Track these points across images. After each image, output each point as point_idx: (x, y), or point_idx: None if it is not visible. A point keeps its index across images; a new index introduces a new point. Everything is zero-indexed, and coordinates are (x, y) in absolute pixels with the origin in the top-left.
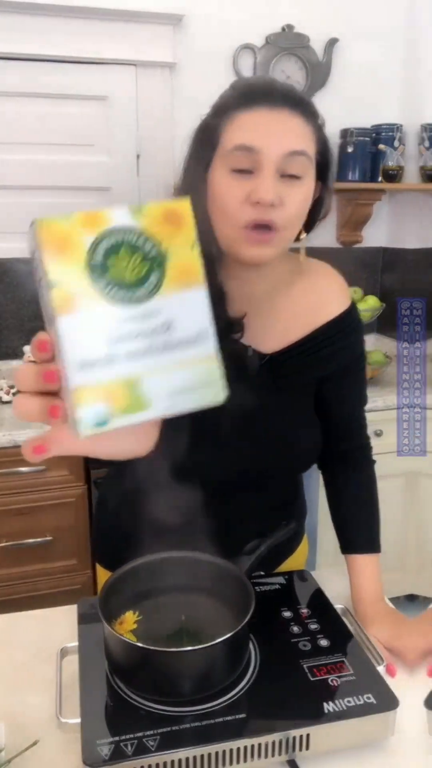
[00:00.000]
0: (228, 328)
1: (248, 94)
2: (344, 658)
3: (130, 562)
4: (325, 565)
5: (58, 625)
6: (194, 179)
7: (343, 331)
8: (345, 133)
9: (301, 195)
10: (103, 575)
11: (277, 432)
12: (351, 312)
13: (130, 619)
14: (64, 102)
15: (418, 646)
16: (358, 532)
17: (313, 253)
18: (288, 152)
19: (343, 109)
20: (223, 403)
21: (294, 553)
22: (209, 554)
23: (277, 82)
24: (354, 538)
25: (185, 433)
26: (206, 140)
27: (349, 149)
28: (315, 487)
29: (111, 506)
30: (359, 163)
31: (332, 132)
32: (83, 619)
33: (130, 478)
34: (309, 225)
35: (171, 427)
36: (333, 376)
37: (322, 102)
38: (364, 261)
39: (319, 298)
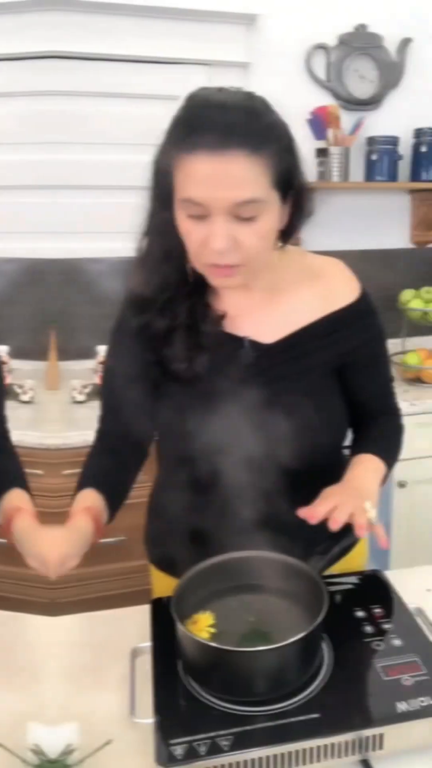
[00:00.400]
0: (214, 324)
1: (192, 131)
2: (417, 658)
3: (202, 562)
4: (398, 565)
5: (130, 625)
6: (162, 213)
7: (354, 319)
8: (418, 133)
9: (256, 234)
10: (158, 578)
11: (289, 418)
12: (361, 300)
13: (203, 619)
14: (137, 102)
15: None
16: (371, 443)
17: (386, 254)
18: (234, 204)
19: (416, 108)
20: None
21: (351, 551)
22: (281, 554)
23: (225, 109)
24: (364, 445)
25: (202, 441)
26: (162, 182)
27: (423, 149)
28: (388, 486)
29: (169, 509)
30: None
31: (405, 131)
32: (156, 619)
33: (183, 483)
34: (289, 233)
35: (193, 441)
36: (354, 361)
37: (395, 102)
38: None
39: (325, 290)
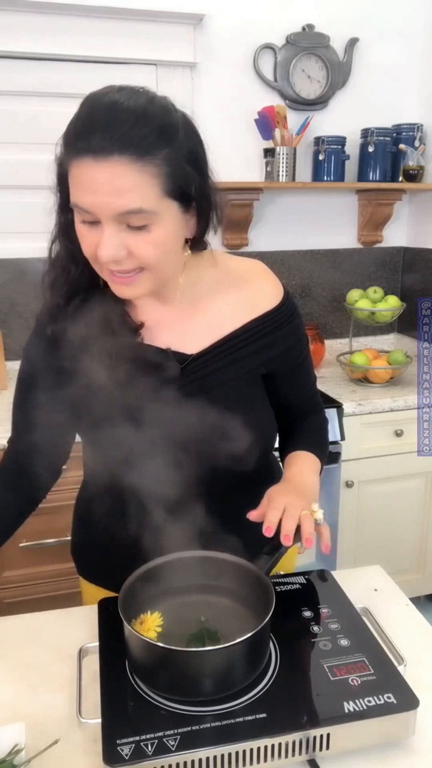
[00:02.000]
0: (131, 334)
1: (79, 134)
2: (364, 658)
3: (150, 561)
4: (345, 565)
5: (78, 625)
6: (64, 215)
7: (280, 322)
8: (366, 133)
9: (153, 242)
10: (86, 588)
11: (216, 428)
12: (284, 303)
13: (150, 619)
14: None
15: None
16: (303, 441)
17: (335, 254)
18: (120, 213)
19: (363, 108)
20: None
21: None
22: (229, 554)
23: (114, 111)
24: (297, 443)
25: (124, 454)
26: (61, 184)
27: (370, 149)
28: (336, 486)
29: (93, 519)
30: (380, 163)
31: (353, 131)
32: (103, 618)
33: (106, 494)
34: (199, 241)
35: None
36: (280, 368)
37: (342, 102)
38: (384, 261)
39: (247, 295)
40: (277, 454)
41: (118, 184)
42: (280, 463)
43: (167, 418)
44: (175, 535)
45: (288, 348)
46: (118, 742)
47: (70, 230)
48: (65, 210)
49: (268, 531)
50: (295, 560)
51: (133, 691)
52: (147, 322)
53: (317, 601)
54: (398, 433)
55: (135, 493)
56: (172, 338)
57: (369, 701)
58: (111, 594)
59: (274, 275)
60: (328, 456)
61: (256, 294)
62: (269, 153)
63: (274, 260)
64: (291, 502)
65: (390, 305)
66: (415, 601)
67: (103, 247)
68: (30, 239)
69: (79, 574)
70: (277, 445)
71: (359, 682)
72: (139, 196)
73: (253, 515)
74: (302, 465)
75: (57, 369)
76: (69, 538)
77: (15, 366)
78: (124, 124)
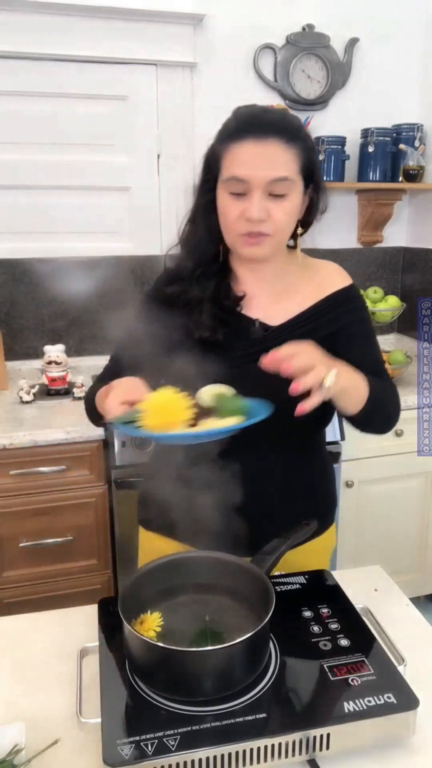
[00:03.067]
0: (233, 302)
1: (241, 126)
2: (365, 658)
3: (150, 562)
4: (346, 565)
5: (78, 625)
6: (206, 197)
7: (344, 300)
8: (365, 133)
9: (286, 209)
10: (145, 539)
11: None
12: (352, 288)
13: (150, 618)
14: (84, 102)
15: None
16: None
17: (335, 254)
18: (271, 180)
19: (363, 108)
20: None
21: (317, 540)
22: (229, 554)
23: (267, 111)
24: None
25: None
26: (212, 166)
27: (370, 149)
28: (336, 488)
29: (157, 478)
30: (380, 163)
31: (353, 132)
32: (103, 619)
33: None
34: (307, 223)
35: None
36: (347, 338)
37: (342, 102)
38: (384, 261)
39: (321, 280)
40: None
41: (272, 157)
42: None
43: (251, 376)
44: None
45: (351, 322)
46: (118, 742)
47: (209, 210)
48: (208, 192)
49: (266, 361)
50: (329, 555)
51: (133, 691)
52: (241, 295)
53: (317, 601)
54: (398, 433)
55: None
56: (261, 311)
57: (369, 701)
58: (172, 542)
59: (345, 272)
60: (328, 456)
61: (326, 279)
62: None
63: None
64: (308, 351)
65: (390, 305)
66: (415, 601)
67: (255, 208)
68: (29, 239)
69: (140, 525)
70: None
71: (359, 682)
72: (285, 168)
73: (265, 359)
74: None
75: (165, 322)
76: (70, 538)
77: (16, 366)
78: (276, 120)
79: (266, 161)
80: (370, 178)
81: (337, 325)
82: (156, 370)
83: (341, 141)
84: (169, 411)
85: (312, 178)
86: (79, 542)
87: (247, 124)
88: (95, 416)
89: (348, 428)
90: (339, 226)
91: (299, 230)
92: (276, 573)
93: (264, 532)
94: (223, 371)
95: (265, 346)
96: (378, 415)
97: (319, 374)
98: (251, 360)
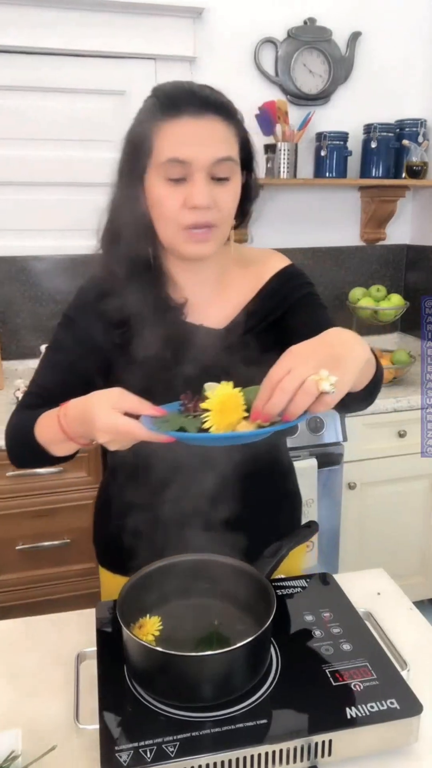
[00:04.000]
0: (175, 310)
1: (172, 103)
2: (367, 663)
3: (148, 565)
4: (348, 568)
5: (75, 630)
6: (131, 186)
7: (286, 280)
8: (368, 129)
9: (231, 194)
10: (107, 579)
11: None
12: (292, 267)
13: (149, 623)
14: (81, 97)
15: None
16: None
17: (338, 251)
18: (215, 160)
19: (366, 103)
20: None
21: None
22: (229, 557)
23: (196, 86)
24: None
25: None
26: (138, 150)
27: (373, 145)
28: (338, 487)
29: (116, 506)
30: (383, 159)
31: (355, 127)
32: (101, 623)
33: (138, 479)
34: (244, 212)
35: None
36: (296, 314)
37: (344, 97)
38: (387, 259)
39: (257, 268)
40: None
41: (215, 135)
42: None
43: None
44: (190, 524)
45: (298, 299)
46: (116, 748)
47: (138, 201)
48: (134, 181)
49: (254, 414)
50: (302, 562)
51: (132, 696)
52: (186, 301)
53: (319, 605)
54: (401, 434)
55: (162, 474)
56: (203, 315)
57: (372, 707)
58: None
59: (282, 255)
60: (330, 458)
61: (262, 266)
62: (270, 149)
63: None
64: (300, 362)
65: (393, 304)
66: (419, 604)
67: (200, 192)
68: (25, 237)
69: (99, 565)
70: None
71: (362, 688)
72: (228, 147)
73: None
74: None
75: (97, 339)
76: (67, 540)
77: (13, 365)
78: (211, 95)
79: (208, 139)
80: (373, 174)
81: (283, 308)
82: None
83: (343, 137)
84: (231, 409)
85: (248, 160)
86: (76, 545)
87: (182, 100)
88: (29, 453)
89: (350, 429)
90: (341, 223)
91: (233, 222)
92: (278, 577)
93: (260, 535)
94: (174, 389)
95: (214, 353)
96: (374, 391)
97: (304, 400)
98: (203, 372)
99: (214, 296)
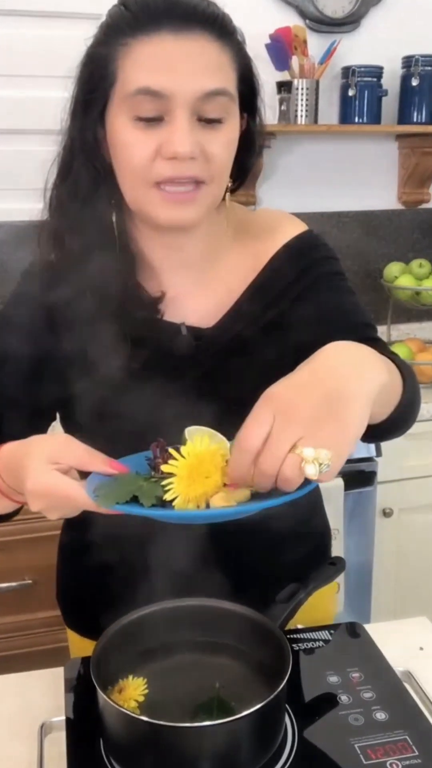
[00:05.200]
0: (150, 309)
1: (145, 13)
2: (407, 736)
3: (130, 613)
4: (382, 617)
5: (39, 694)
6: (86, 129)
7: (297, 253)
8: (408, 62)
9: (224, 141)
10: (74, 641)
11: (237, 417)
12: (309, 235)
13: (131, 685)
14: (47, 23)
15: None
16: None
17: (369, 217)
18: (203, 93)
19: (404, 30)
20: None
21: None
22: (232, 602)
23: None
24: None
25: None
26: (97, 77)
27: (413, 82)
28: (371, 515)
29: (82, 547)
30: (426, 101)
31: (392, 60)
32: (71, 685)
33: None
34: (243, 169)
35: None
36: (300, 312)
37: (378, 22)
38: (431, 225)
39: (261, 240)
40: None
41: (204, 57)
42: None
43: (179, 410)
44: (174, 571)
45: (315, 280)
46: None
47: (96, 150)
48: (91, 122)
49: (231, 483)
50: (331, 608)
51: None
52: (159, 294)
53: (346, 663)
54: None
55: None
56: (186, 309)
57: None
58: None
59: (296, 219)
60: (360, 477)
61: (271, 237)
62: (284, 88)
63: None
64: (281, 421)
65: None
66: None
67: (180, 137)
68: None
69: (66, 626)
70: None
71: (401, 767)
72: (223, 75)
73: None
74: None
75: (44, 346)
76: (28, 582)
77: None
78: (198, 3)
79: (194, 64)
80: (414, 119)
81: (292, 293)
82: (33, 419)
83: (377, 72)
84: (205, 473)
85: (250, 97)
86: (40, 587)
87: (159, 10)
88: None
89: (386, 442)
90: (374, 181)
91: (230, 183)
92: (294, 628)
93: (274, 576)
94: (147, 413)
95: (200, 362)
96: (409, 416)
97: (292, 471)
98: (184, 393)
99: (201, 284)
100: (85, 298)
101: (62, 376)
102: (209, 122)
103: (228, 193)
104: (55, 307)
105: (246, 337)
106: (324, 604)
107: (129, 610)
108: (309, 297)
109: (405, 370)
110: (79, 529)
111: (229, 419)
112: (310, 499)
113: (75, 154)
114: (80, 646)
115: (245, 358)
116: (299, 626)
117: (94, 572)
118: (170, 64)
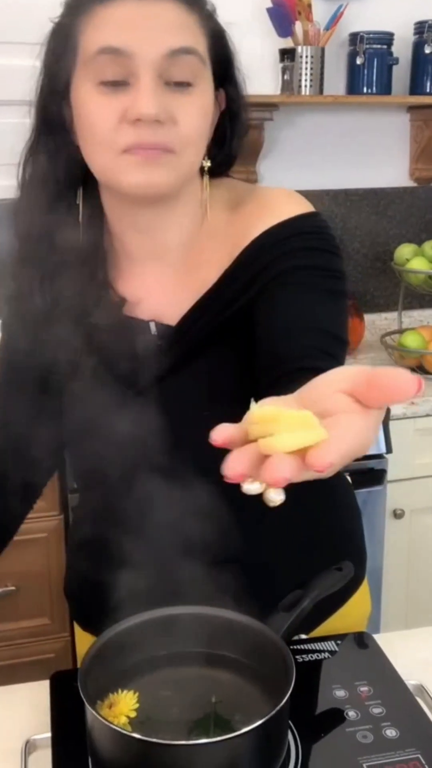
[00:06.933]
0: (115, 305)
1: None
2: (419, 755)
3: (120, 622)
4: (393, 626)
5: (23, 709)
6: (52, 100)
7: (278, 238)
8: (421, 28)
9: (196, 106)
10: (83, 639)
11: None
12: (301, 219)
13: (122, 699)
14: None
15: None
16: None
17: (378, 195)
18: (168, 51)
19: None
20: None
21: (346, 603)
22: (232, 610)
23: None
24: None
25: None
26: (61, 47)
27: (426, 50)
28: (380, 516)
29: (86, 540)
30: None
31: (403, 26)
32: (57, 700)
33: (109, 503)
34: (226, 149)
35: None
36: (257, 314)
37: None
38: None
39: (246, 222)
40: None
41: (167, 18)
42: None
43: (149, 410)
44: (173, 571)
45: (289, 269)
46: None
47: (61, 122)
48: (56, 95)
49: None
50: (361, 614)
51: None
52: (133, 290)
53: (354, 676)
54: None
55: (125, 513)
56: (156, 305)
57: None
58: None
59: (299, 197)
60: (369, 475)
61: (257, 218)
62: (287, 55)
63: None
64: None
65: None
66: None
67: (144, 98)
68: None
69: (75, 621)
70: None
71: None
72: (190, 34)
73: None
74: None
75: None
76: (12, 588)
77: None
78: None
79: (157, 24)
80: (427, 89)
81: (258, 285)
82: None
83: (387, 39)
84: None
85: (225, 64)
86: (25, 594)
87: None
88: None
89: (396, 437)
90: (383, 156)
91: (205, 161)
92: (298, 638)
93: (277, 582)
94: (106, 415)
95: (164, 362)
96: None
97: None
98: (144, 392)
99: (177, 277)
100: (45, 287)
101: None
102: (178, 86)
103: (207, 176)
104: (15, 296)
105: (204, 336)
106: (353, 612)
107: (137, 605)
108: (272, 292)
109: None
110: (91, 520)
111: (189, 426)
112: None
113: (40, 131)
114: (89, 643)
115: (202, 360)
116: (302, 636)
117: (106, 564)
118: (132, 23)
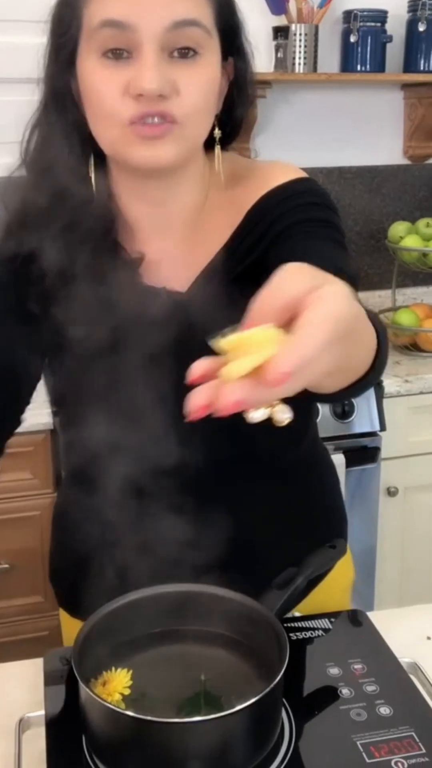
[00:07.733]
0: (132, 271)
1: None
2: (413, 732)
3: (113, 600)
4: (387, 604)
5: (17, 687)
6: (60, 78)
7: (280, 199)
8: (414, 5)
9: (200, 77)
10: (68, 623)
11: None
12: (296, 183)
13: (116, 677)
14: None
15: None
16: None
17: (372, 173)
18: (171, 24)
19: None
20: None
21: (328, 574)
22: (225, 588)
23: None
24: None
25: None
26: (66, 20)
27: (420, 27)
28: (374, 494)
29: (72, 521)
30: None
31: (397, 3)
32: (51, 678)
33: (97, 482)
34: (232, 119)
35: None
36: (277, 251)
37: None
38: None
39: (246, 189)
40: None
41: None
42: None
43: (160, 379)
44: (167, 549)
45: (294, 223)
46: None
47: (68, 96)
48: (63, 69)
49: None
50: (346, 592)
51: None
52: (146, 256)
53: (348, 654)
54: None
55: (121, 489)
56: (167, 271)
57: None
58: None
59: (296, 170)
60: (363, 453)
61: (256, 185)
62: (281, 33)
63: None
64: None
65: None
66: None
67: (147, 72)
68: None
69: (59, 606)
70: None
71: (407, 765)
72: (194, 7)
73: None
74: None
75: (16, 307)
76: (5, 566)
77: None
78: None
79: None
80: (421, 67)
81: (267, 240)
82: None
83: (381, 16)
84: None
85: (231, 35)
86: (19, 572)
87: None
88: None
89: (390, 415)
90: (378, 134)
91: (216, 131)
92: (291, 615)
93: (270, 559)
94: (120, 380)
95: (175, 327)
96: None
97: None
98: (159, 356)
99: (184, 246)
100: (59, 254)
101: (33, 338)
102: (182, 57)
103: (218, 146)
104: (28, 261)
105: (218, 298)
106: (337, 589)
107: (125, 588)
108: (282, 244)
109: (380, 326)
110: (75, 499)
111: None
112: (314, 462)
113: (50, 106)
114: (75, 629)
115: (218, 322)
116: (296, 614)
117: (90, 545)
118: None
